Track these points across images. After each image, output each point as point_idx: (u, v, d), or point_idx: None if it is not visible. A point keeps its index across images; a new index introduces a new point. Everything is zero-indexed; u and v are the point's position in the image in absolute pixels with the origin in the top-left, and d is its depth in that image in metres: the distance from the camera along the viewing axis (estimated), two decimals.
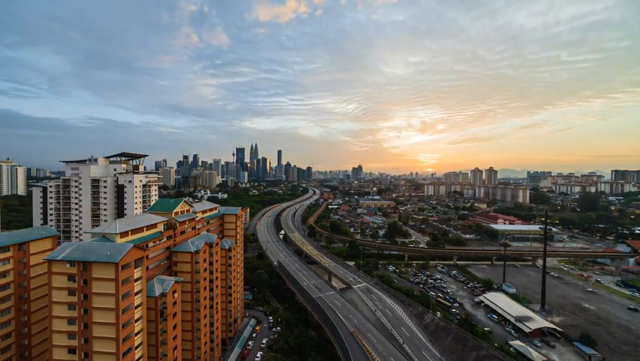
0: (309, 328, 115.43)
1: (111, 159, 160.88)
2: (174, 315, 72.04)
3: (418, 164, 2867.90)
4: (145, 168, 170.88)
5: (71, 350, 58.11)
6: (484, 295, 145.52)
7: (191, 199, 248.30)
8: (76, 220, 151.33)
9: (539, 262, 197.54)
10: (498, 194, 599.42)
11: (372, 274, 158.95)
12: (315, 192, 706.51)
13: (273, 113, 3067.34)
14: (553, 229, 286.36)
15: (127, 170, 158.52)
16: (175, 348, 72.09)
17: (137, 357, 61.77)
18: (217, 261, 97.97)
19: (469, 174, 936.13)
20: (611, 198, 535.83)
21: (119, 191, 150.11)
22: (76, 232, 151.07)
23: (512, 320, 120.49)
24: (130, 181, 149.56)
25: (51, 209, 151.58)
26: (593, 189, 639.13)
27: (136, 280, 61.62)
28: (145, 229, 73.89)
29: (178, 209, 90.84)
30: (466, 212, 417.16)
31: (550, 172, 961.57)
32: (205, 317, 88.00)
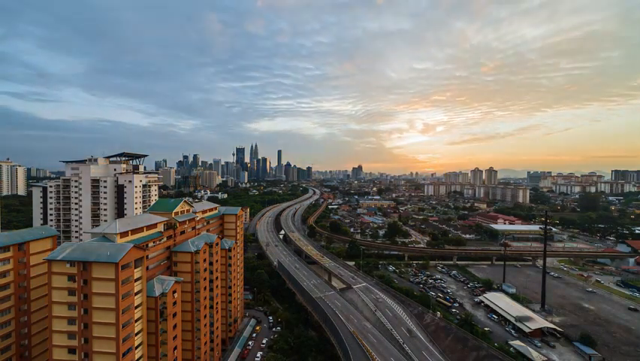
0: (309, 328, 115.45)
1: (111, 159, 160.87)
2: (174, 315, 72.02)
3: (418, 164, 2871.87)
4: (145, 168, 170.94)
5: (71, 350, 58.09)
6: (484, 295, 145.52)
7: (191, 199, 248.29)
8: (76, 220, 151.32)
9: (539, 262, 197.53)
10: (498, 194, 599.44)
11: (372, 274, 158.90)
12: (315, 192, 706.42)
13: (278, 115, 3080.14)
14: (554, 229, 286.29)
15: (127, 170, 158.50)
16: (175, 348, 72.08)
17: (137, 357, 61.76)
18: (217, 261, 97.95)
19: (469, 174, 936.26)
20: (611, 198, 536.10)
21: (119, 191, 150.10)
22: (76, 232, 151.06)
23: (512, 320, 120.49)
24: (130, 181, 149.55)
25: (51, 209, 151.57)
26: (593, 189, 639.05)
27: (136, 280, 61.61)
28: (145, 229, 73.86)
29: (178, 209, 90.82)
30: (466, 212, 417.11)
31: (550, 172, 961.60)
32: (205, 316, 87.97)
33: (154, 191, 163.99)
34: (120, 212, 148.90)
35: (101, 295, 56.71)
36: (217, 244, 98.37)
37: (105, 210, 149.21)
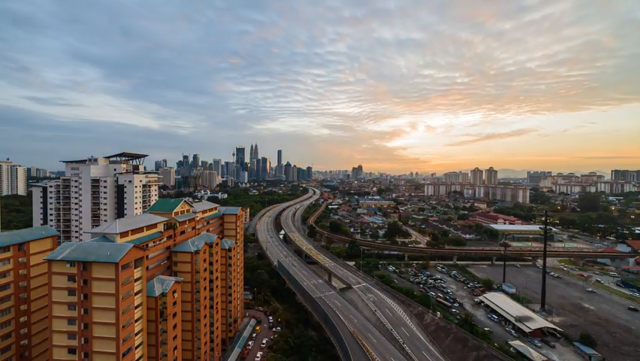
0: (309, 328, 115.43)
1: (111, 159, 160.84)
2: (174, 315, 72.02)
3: (418, 164, 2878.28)
4: (145, 168, 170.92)
5: (71, 350, 58.07)
6: (484, 295, 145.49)
7: (191, 199, 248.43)
8: (76, 220, 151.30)
9: (539, 262, 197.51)
10: (498, 194, 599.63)
11: (372, 274, 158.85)
12: (315, 192, 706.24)
13: (283, 117, 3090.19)
14: (554, 229, 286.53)
15: (127, 170, 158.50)
16: (175, 348, 72.07)
17: (137, 357, 61.75)
18: (217, 261, 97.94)
19: (469, 174, 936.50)
20: (611, 198, 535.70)
21: (119, 191, 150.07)
22: (76, 232, 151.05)
23: (512, 320, 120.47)
24: (130, 181, 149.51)
25: (51, 209, 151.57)
26: (593, 189, 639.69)
27: (136, 280, 61.60)
28: (145, 229, 73.84)
29: (178, 209, 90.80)
30: (466, 212, 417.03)
31: (550, 172, 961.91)
32: (205, 317, 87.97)
33: (154, 191, 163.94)
34: (120, 212, 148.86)
35: (101, 295, 56.71)
36: (217, 244, 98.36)
37: (105, 210, 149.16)
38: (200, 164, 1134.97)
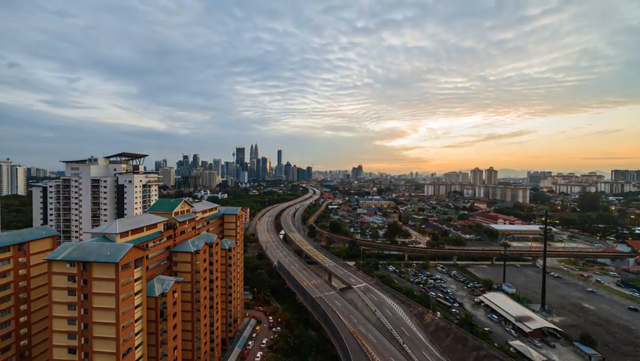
0: (309, 328, 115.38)
1: (111, 159, 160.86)
2: (174, 315, 72.03)
3: (419, 164, 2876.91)
4: (145, 168, 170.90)
5: (71, 350, 58.08)
6: (484, 295, 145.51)
7: (191, 199, 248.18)
8: (76, 220, 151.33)
9: (539, 262, 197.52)
10: (498, 194, 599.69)
11: (372, 274, 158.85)
12: (315, 192, 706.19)
13: (286, 118, 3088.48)
14: (554, 229, 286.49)
15: (127, 170, 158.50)
16: (175, 348, 72.08)
17: (137, 357, 61.76)
18: (217, 261, 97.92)
19: (469, 174, 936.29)
20: (611, 198, 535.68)
21: (119, 191, 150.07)
22: (76, 232, 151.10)
23: (512, 320, 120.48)
24: (130, 181, 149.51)
25: (51, 209, 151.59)
26: (593, 189, 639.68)
27: (136, 280, 61.61)
28: (145, 229, 73.84)
29: (178, 209, 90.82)
30: (466, 212, 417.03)
31: (550, 172, 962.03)
32: (205, 317, 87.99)
33: (154, 191, 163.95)
34: (120, 212, 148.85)
35: (101, 295, 56.72)
36: (217, 244, 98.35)
37: (105, 210, 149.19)
38: (200, 164, 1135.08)
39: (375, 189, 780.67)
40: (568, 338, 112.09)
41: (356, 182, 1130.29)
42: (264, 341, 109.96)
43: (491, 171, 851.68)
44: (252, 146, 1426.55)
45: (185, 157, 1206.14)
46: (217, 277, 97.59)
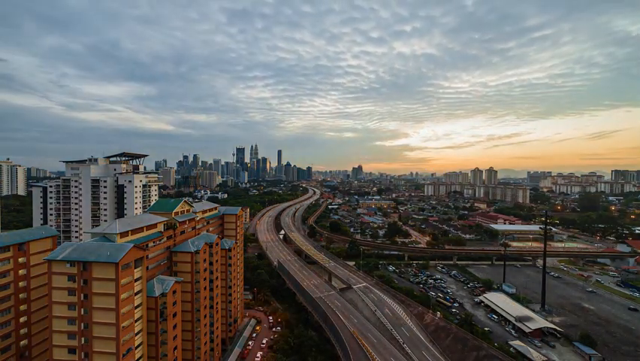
0: (309, 328, 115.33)
1: (111, 159, 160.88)
2: (174, 315, 72.05)
3: (419, 164, 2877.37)
4: (145, 168, 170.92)
5: (71, 350, 58.11)
6: (484, 295, 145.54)
7: (191, 199, 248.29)
8: (76, 220, 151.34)
9: (539, 262, 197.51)
10: (498, 194, 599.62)
11: (372, 274, 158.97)
12: (315, 192, 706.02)
13: (293, 119, 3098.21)
14: (554, 229, 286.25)
15: (127, 170, 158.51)
16: (175, 348, 72.10)
17: (137, 357, 61.77)
18: (217, 261, 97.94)
19: (469, 174, 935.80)
20: (611, 198, 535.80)
21: (119, 191, 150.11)
22: (76, 232, 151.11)
23: (512, 320, 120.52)
24: (130, 181, 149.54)
25: (51, 209, 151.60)
26: (593, 189, 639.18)
27: (136, 280, 61.62)
28: (145, 229, 73.87)
29: (178, 209, 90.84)
30: (466, 212, 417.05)
31: (550, 172, 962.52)
32: (205, 317, 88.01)
33: (154, 191, 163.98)
34: (120, 212, 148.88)
35: (101, 295, 56.74)
36: (217, 244, 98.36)
37: (105, 210, 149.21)
38: (200, 164, 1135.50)
39: (375, 189, 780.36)
40: (568, 338, 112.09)
41: (356, 182, 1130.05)
42: (264, 341, 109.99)
43: (491, 171, 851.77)
44: (252, 146, 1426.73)
45: (185, 157, 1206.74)
46: (217, 277, 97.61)
